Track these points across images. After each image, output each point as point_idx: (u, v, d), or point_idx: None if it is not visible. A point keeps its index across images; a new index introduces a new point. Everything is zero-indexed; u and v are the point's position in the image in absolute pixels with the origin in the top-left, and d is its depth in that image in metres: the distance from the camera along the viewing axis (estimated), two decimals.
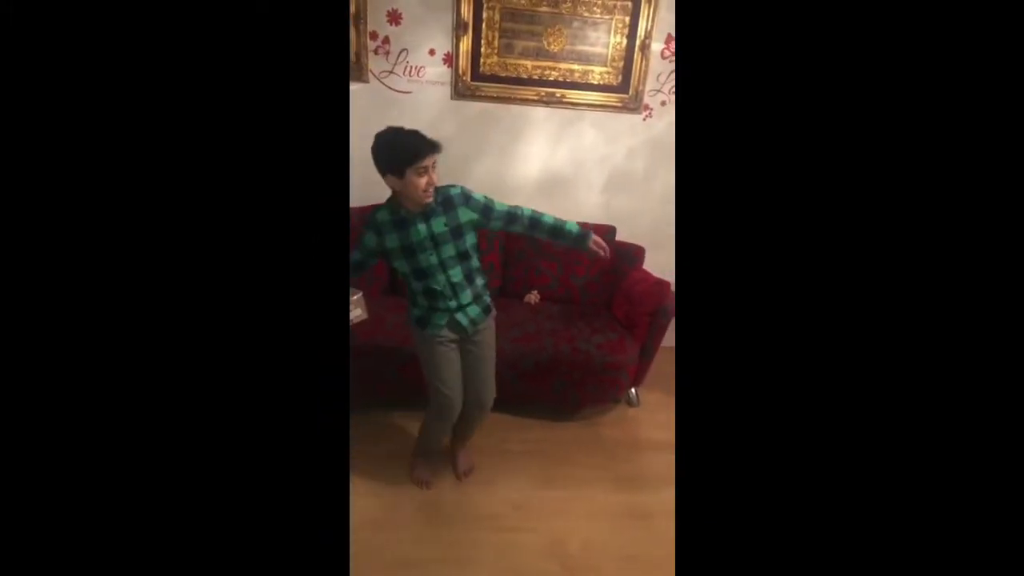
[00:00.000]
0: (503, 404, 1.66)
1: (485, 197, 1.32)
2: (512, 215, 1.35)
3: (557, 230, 1.39)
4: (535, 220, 1.37)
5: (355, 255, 1.32)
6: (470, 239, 1.31)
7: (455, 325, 1.37)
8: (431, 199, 1.21)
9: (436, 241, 1.26)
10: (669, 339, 2.02)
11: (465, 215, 1.28)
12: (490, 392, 1.51)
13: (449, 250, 1.28)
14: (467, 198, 1.29)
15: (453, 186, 1.28)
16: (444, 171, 1.72)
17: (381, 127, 1.20)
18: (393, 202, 1.26)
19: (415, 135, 1.16)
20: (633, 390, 2.08)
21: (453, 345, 1.40)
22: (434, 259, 1.28)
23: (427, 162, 1.16)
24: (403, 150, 1.15)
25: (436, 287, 1.30)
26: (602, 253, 1.41)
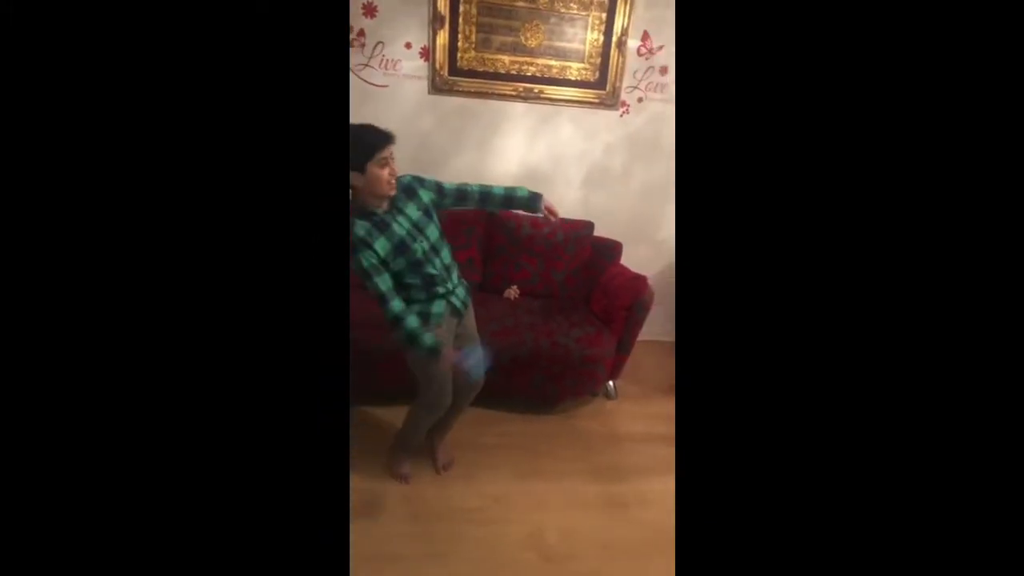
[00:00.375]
0: (482, 398, 1.67)
1: (433, 178, 1.37)
2: (462, 191, 1.39)
3: (509, 198, 1.42)
4: (485, 193, 1.41)
5: (378, 285, 1.24)
6: (437, 219, 1.36)
7: (453, 309, 1.39)
8: (394, 191, 1.24)
9: (419, 227, 1.29)
10: (645, 333, 2.06)
11: (426, 195, 1.33)
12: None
13: (433, 232, 1.32)
14: (421, 181, 1.33)
15: (403, 176, 1.30)
16: (422, 166, 1.72)
17: (358, 120, 1.19)
18: (359, 210, 1.25)
19: (369, 128, 1.17)
20: (611, 383, 2.11)
21: (449, 336, 1.42)
22: (425, 244, 1.30)
23: (386, 153, 1.18)
24: (362, 144, 1.15)
25: (433, 271, 1.32)
26: (552, 218, 1.44)
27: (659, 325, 2.58)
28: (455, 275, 1.41)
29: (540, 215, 1.44)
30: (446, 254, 1.37)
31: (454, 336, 1.45)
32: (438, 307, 1.35)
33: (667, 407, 2.11)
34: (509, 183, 2.35)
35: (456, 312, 1.41)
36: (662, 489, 1.66)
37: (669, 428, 1.97)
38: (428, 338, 1.27)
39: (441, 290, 1.35)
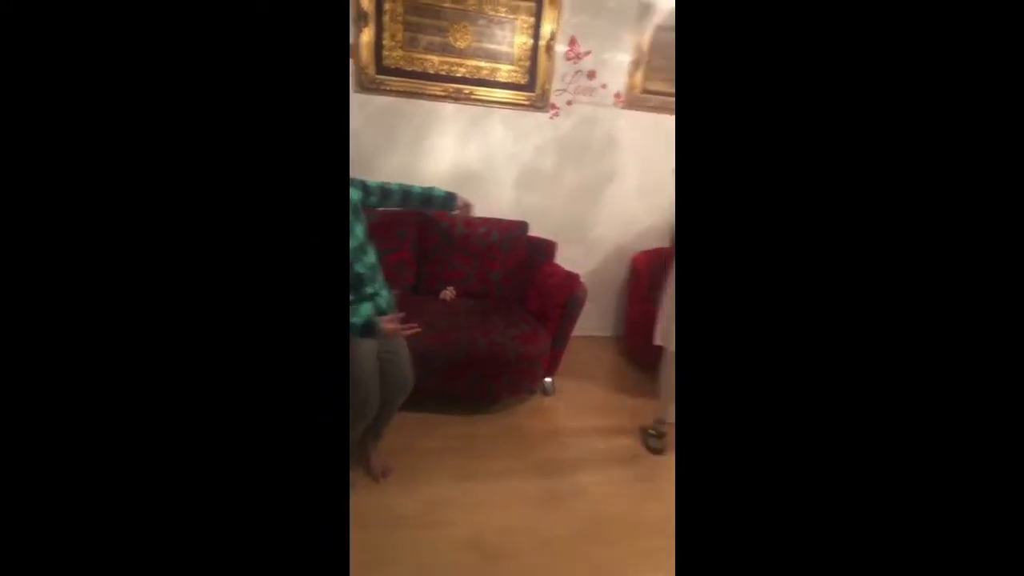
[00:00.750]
0: (419, 402, 1.64)
1: (358, 177, 1.38)
2: (385, 190, 1.42)
3: (427, 198, 1.48)
4: (406, 192, 1.45)
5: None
6: (363, 219, 1.36)
7: (380, 313, 1.37)
8: None
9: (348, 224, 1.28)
10: (580, 328, 2.12)
11: (354, 194, 1.33)
12: (411, 370, 1.54)
13: (359, 232, 1.31)
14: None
15: None
16: (352, 166, 1.67)
17: None
18: None
19: None
20: (548, 379, 2.15)
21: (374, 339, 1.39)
22: (355, 242, 1.29)
23: None
24: None
25: (362, 270, 1.31)
26: (467, 213, 1.52)
27: (593, 320, 2.67)
28: (380, 276, 1.40)
29: (457, 210, 1.50)
30: (371, 253, 1.36)
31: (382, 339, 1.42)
32: (366, 310, 1.33)
33: (603, 400, 2.18)
34: (441, 183, 2.32)
35: (382, 315, 1.39)
36: (598, 480, 1.71)
37: (605, 420, 2.04)
38: (358, 315, 1.24)
39: (369, 290, 1.34)
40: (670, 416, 1.86)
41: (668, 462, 1.83)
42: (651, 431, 1.90)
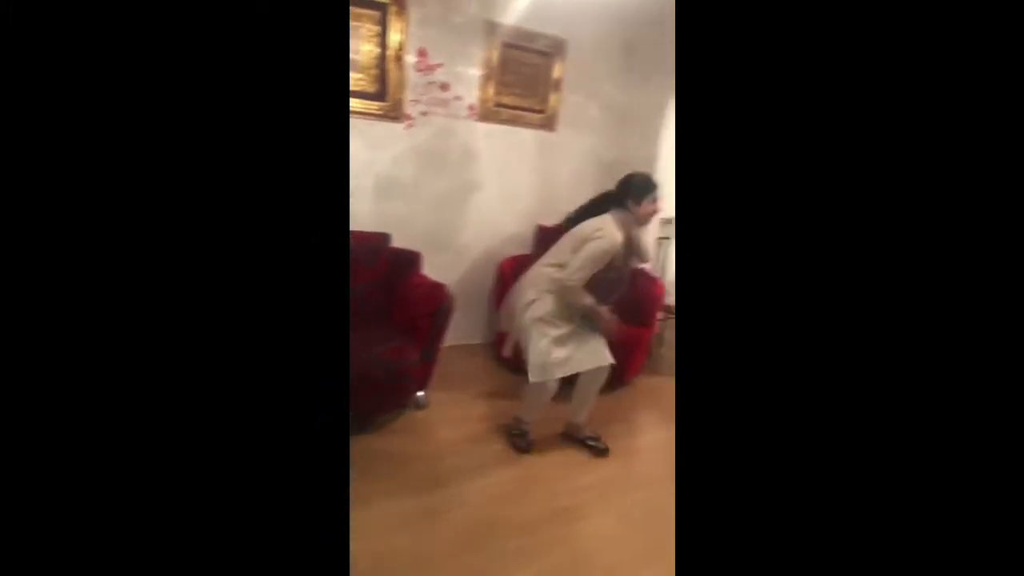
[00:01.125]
0: None
1: None
2: None
3: None
4: None
5: None
6: None
7: None
8: None
9: None
10: (451, 338, 2.11)
11: None
12: None
13: None
14: None
15: None
16: None
17: None
18: None
19: None
20: (420, 393, 2.10)
21: None
22: None
23: None
24: None
25: None
26: None
27: (463, 329, 2.68)
28: None
29: None
30: None
31: None
32: None
33: (478, 408, 2.18)
34: None
35: None
36: (473, 488, 1.70)
37: (479, 427, 2.04)
38: None
39: None
40: (528, 415, 1.92)
41: (538, 461, 1.89)
42: (514, 431, 1.95)
